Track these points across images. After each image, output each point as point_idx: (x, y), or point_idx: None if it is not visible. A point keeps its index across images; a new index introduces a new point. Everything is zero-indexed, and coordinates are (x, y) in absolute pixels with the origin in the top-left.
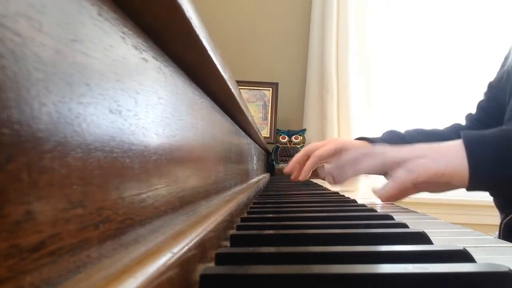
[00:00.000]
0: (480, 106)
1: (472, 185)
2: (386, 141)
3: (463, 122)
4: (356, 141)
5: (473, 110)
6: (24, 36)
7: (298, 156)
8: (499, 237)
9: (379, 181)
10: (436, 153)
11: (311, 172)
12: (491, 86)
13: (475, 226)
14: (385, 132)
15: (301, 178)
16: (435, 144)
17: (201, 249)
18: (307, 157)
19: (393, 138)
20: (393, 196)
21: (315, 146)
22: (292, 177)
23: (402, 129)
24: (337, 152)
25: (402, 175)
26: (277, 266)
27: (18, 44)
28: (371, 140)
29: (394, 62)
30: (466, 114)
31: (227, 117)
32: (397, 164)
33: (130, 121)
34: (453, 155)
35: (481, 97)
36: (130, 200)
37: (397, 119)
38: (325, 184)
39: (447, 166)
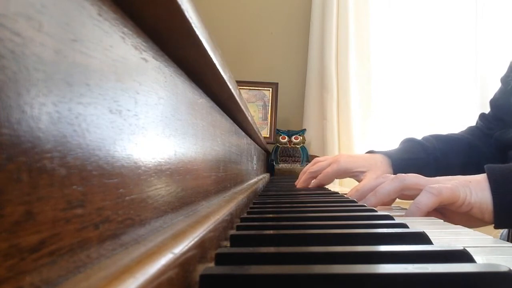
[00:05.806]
0: (493, 103)
1: (499, 222)
2: (405, 152)
3: (464, 121)
4: (355, 155)
5: (475, 112)
6: (24, 36)
7: (304, 179)
8: (508, 236)
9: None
10: (460, 182)
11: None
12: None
13: None
14: (403, 141)
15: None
16: (458, 176)
17: (201, 249)
18: (312, 178)
19: (413, 147)
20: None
21: (317, 166)
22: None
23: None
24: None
25: (425, 197)
26: (277, 266)
27: (18, 44)
28: (384, 153)
29: (394, 62)
30: (479, 114)
31: (227, 117)
32: (419, 187)
33: (130, 121)
34: (477, 187)
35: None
36: (130, 200)
37: (397, 119)
38: None
39: (471, 196)
